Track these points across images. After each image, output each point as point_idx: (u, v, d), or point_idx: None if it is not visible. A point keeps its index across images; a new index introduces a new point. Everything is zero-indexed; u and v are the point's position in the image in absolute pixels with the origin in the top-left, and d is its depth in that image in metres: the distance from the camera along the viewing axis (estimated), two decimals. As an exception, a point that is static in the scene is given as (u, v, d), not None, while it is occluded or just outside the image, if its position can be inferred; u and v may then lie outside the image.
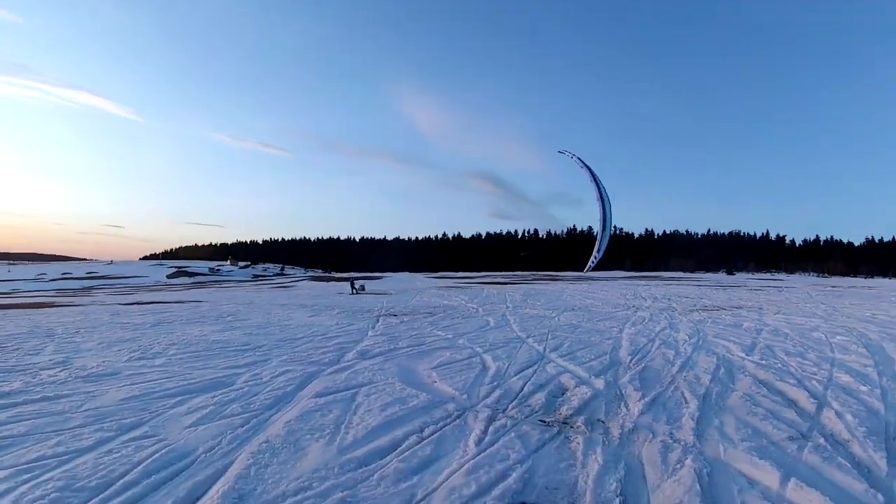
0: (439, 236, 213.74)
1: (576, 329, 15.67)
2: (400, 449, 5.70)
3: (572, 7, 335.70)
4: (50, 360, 10.93)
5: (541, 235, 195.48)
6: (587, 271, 22.21)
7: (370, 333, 14.85)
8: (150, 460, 5.36)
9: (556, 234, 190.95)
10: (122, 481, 4.90)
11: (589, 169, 22.37)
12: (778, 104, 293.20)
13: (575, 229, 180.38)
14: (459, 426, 6.49)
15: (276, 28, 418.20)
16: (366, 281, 57.24)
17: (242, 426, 6.46)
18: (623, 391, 8.32)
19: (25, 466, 5.27)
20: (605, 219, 27.97)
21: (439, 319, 18.61)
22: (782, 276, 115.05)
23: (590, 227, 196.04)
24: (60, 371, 9.83)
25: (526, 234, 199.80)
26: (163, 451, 5.62)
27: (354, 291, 39.51)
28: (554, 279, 70.22)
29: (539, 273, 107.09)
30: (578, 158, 24.56)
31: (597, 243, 28.64)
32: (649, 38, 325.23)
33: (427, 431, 6.25)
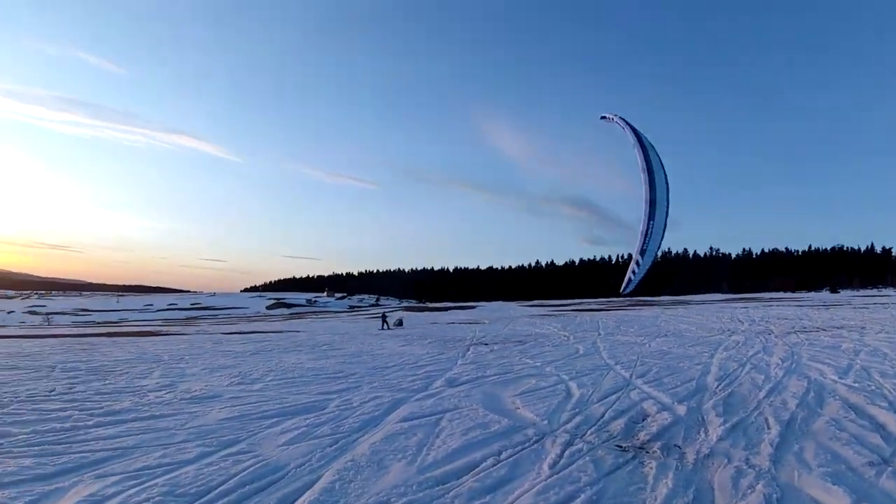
0: (532, 264, 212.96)
1: (665, 355, 15.64)
2: (476, 470, 6.03)
3: (659, 26, 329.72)
4: (157, 384, 12.00)
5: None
6: (626, 290, 13.32)
7: (459, 362, 15.30)
8: (245, 473, 5.94)
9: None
10: (219, 489, 5.48)
11: (634, 131, 15.03)
12: (879, 106, 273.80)
13: (670, 252, 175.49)
14: (536, 450, 6.75)
15: (361, 67, 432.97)
16: (421, 312, 57.16)
17: (331, 446, 6.98)
18: (705, 417, 8.35)
19: (133, 473, 5.97)
20: (654, 202, 15.63)
21: (529, 348, 18.86)
22: (890, 291, 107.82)
23: (684, 249, 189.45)
24: (166, 393, 10.81)
25: (620, 259, 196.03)
26: (257, 465, 6.19)
27: (386, 327, 35.99)
28: (649, 304, 68.76)
29: (634, 298, 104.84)
30: (621, 119, 15.63)
31: (640, 241, 15.57)
32: (739, 49, 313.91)
33: (504, 455, 6.55)
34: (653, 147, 15.99)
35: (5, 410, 9.21)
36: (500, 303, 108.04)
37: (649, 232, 13.88)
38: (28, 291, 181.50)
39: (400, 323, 39.35)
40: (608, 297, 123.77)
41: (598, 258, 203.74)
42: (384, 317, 39.31)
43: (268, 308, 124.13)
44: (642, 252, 14.21)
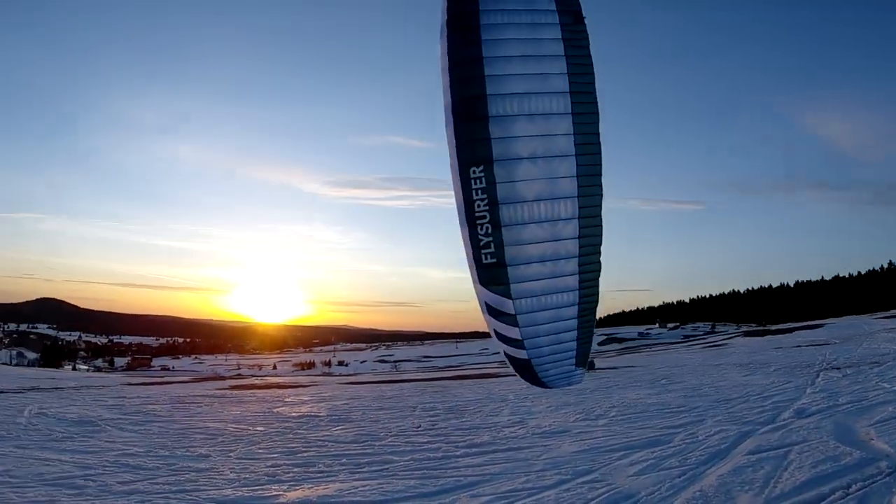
0: (885, 266, 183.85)
1: None
2: (823, 503, 6.25)
3: None
4: (509, 420, 13.70)
5: None
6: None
7: (808, 391, 14.71)
8: (600, 498, 6.93)
9: None
10: (579, 510, 6.55)
11: None
12: None
13: None
14: (888, 483, 6.70)
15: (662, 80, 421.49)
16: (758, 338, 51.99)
17: (679, 477, 7.66)
18: None
19: (502, 494, 7.35)
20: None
21: (887, 370, 17.19)
22: None
23: None
24: (519, 429, 12.35)
25: None
26: (611, 492, 7.14)
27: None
28: None
29: None
30: None
31: None
32: None
33: (854, 488, 6.64)
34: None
35: (383, 443, 11.51)
36: (851, 317, 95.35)
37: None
38: (377, 343, 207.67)
39: (592, 365, 35.62)
40: None
41: None
42: None
43: (599, 344, 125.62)
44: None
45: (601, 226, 8.94)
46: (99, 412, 16.95)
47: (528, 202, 9.00)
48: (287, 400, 21.60)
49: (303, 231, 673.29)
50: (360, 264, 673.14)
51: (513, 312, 9.52)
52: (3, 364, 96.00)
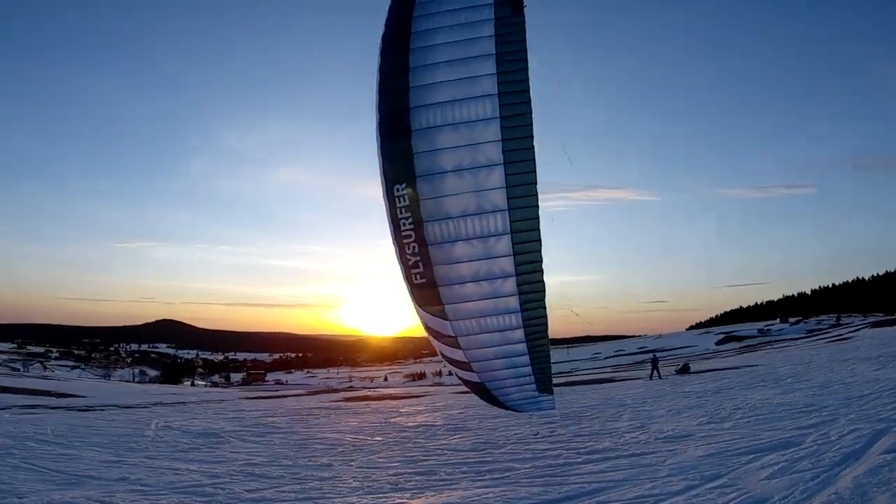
0: None
1: None
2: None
3: None
4: (629, 425, 13.54)
5: None
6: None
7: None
8: (732, 504, 6.79)
9: None
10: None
11: None
12: None
13: None
14: None
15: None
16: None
17: (812, 480, 7.39)
18: None
19: (629, 501, 7.28)
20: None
21: None
22: None
23: None
24: (640, 434, 12.21)
25: None
26: (742, 497, 6.95)
27: (657, 376, 31.35)
28: None
29: None
30: None
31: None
32: None
33: None
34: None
35: (503, 450, 11.58)
36: None
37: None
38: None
39: (686, 369, 33.60)
40: None
41: None
42: (654, 362, 33.45)
43: (717, 343, 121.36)
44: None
45: (539, 240, 8.91)
46: (221, 424, 17.84)
47: (454, 218, 9.20)
48: (402, 410, 22.05)
49: None
50: None
51: (452, 334, 9.84)
52: (127, 382, 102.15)
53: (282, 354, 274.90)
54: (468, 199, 8.53)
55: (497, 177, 8.39)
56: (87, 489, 8.94)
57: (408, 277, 9.21)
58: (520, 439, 12.90)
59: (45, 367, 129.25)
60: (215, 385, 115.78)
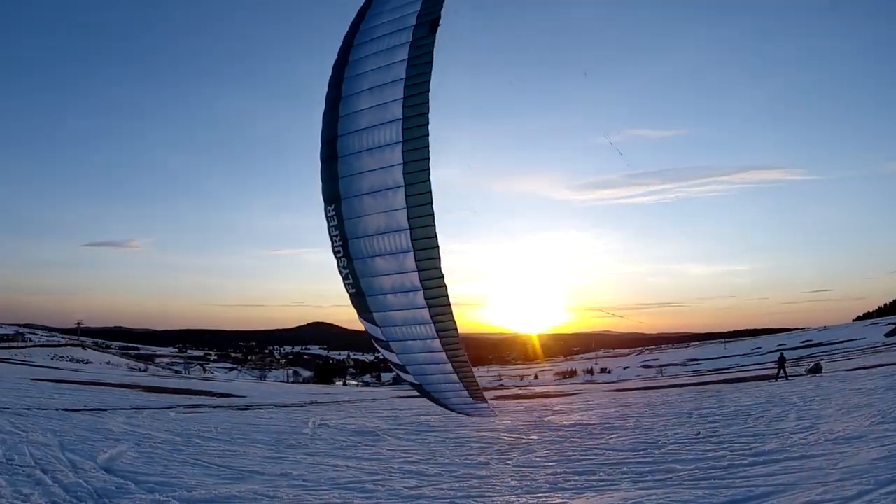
0: None
1: None
2: None
3: None
4: (796, 426, 13.16)
5: None
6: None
7: None
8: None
9: None
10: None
11: None
12: None
13: None
14: None
15: None
16: None
17: None
18: None
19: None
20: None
21: None
22: None
23: None
24: (809, 434, 11.89)
25: None
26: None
27: (783, 376, 29.45)
28: None
29: None
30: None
31: None
32: None
33: None
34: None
35: (663, 451, 11.58)
36: None
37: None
38: (639, 347, 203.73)
39: (818, 369, 31.41)
40: None
41: None
42: (781, 361, 31.36)
43: (886, 336, 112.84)
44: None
45: (438, 258, 9.57)
46: (376, 423, 18.71)
47: (370, 236, 9.89)
48: (556, 409, 22.29)
49: (553, 238, 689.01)
50: (617, 266, 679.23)
51: (384, 339, 10.80)
52: (281, 382, 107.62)
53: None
54: (381, 219, 9.72)
55: (401, 198, 9.67)
56: (251, 484, 9.57)
57: (346, 288, 10.62)
58: (680, 439, 12.85)
59: (204, 370, 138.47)
60: (367, 385, 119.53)
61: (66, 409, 19.03)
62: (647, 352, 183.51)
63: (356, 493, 8.99)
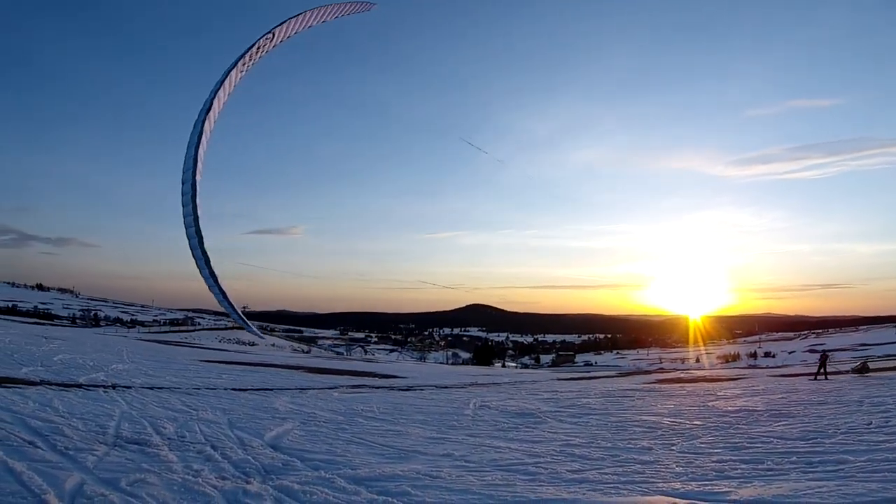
0: None
1: None
2: None
3: None
4: None
5: None
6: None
7: None
8: None
9: None
10: None
11: None
12: None
13: None
14: None
15: None
16: None
17: None
18: None
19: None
20: None
21: None
22: None
23: None
24: None
25: None
26: None
27: (823, 375, 27.62)
28: None
29: None
30: None
31: None
32: None
33: None
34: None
35: (833, 440, 11.24)
36: None
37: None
38: (805, 331, 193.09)
39: (864, 368, 28.97)
40: None
41: None
42: (823, 359, 29.00)
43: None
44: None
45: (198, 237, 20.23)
46: (536, 405, 19.05)
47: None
48: (719, 394, 21.84)
49: (712, 216, 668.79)
50: (780, 245, 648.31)
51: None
52: (441, 363, 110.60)
53: (590, 336, 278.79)
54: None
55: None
56: (414, 463, 9.90)
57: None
58: (851, 428, 12.42)
59: (365, 351, 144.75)
60: (525, 367, 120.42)
61: (234, 389, 20.67)
62: (813, 336, 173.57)
63: (519, 475, 9.13)
